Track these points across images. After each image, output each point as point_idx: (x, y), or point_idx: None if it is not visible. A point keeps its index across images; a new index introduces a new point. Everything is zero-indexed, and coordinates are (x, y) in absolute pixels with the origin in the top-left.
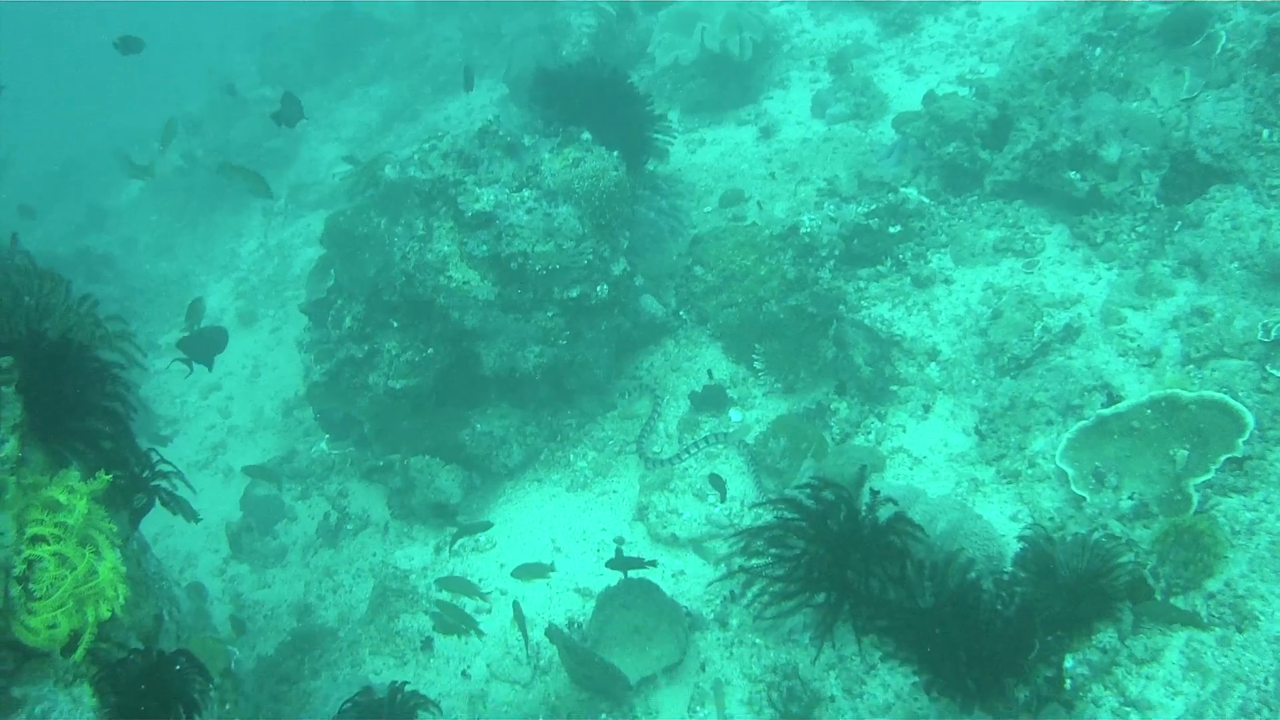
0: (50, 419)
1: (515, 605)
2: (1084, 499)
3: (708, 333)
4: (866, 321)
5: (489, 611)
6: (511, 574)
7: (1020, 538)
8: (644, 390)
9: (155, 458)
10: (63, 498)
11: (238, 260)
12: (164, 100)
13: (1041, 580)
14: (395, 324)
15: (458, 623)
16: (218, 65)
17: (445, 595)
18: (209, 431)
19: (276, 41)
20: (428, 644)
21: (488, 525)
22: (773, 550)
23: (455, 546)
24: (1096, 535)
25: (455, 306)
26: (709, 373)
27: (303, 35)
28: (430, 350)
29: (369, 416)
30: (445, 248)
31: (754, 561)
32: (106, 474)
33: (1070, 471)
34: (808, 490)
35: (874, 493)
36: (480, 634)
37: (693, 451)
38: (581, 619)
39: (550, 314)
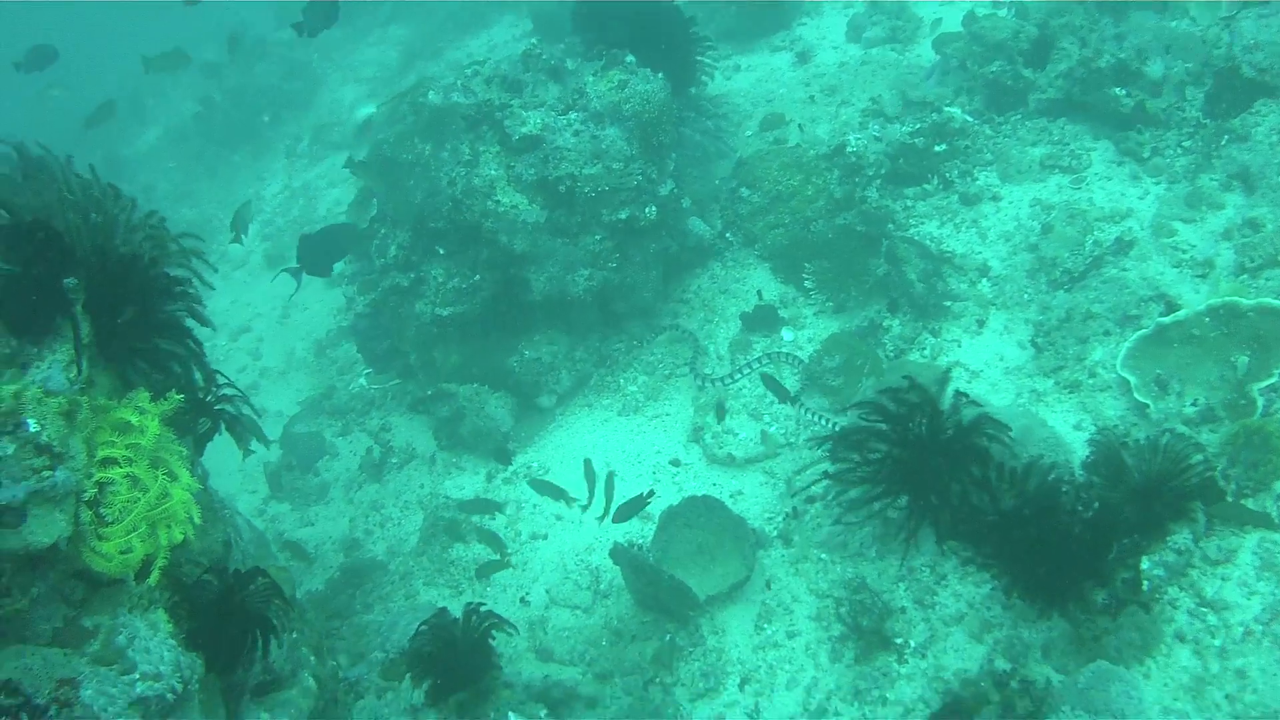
0: (118, 339)
1: (586, 463)
2: (1147, 406)
3: (755, 254)
4: (915, 239)
5: (544, 537)
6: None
7: (1090, 441)
8: (684, 336)
9: (222, 380)
10: (134, 419)
11: (262, 203)
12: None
13: (1114, 483)
14: (441, 251)
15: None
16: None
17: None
18: (240, 374)
19: None
20: (483, 570)
21: (497, 506)
22: (854, 455)
23: (509, 474)
24: (1166, 438)
25: (503, 231)
26: (758, 293)
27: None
28: (477, 276)
29: (415, 346)
30: (492, 172)
31: (836, 466)
32: (178, 395)
33: (1132, 379)
34: (890, 393)
35: (958, 394)
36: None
37: (746, 372)
38: (640, 541)
39: (598, 237)
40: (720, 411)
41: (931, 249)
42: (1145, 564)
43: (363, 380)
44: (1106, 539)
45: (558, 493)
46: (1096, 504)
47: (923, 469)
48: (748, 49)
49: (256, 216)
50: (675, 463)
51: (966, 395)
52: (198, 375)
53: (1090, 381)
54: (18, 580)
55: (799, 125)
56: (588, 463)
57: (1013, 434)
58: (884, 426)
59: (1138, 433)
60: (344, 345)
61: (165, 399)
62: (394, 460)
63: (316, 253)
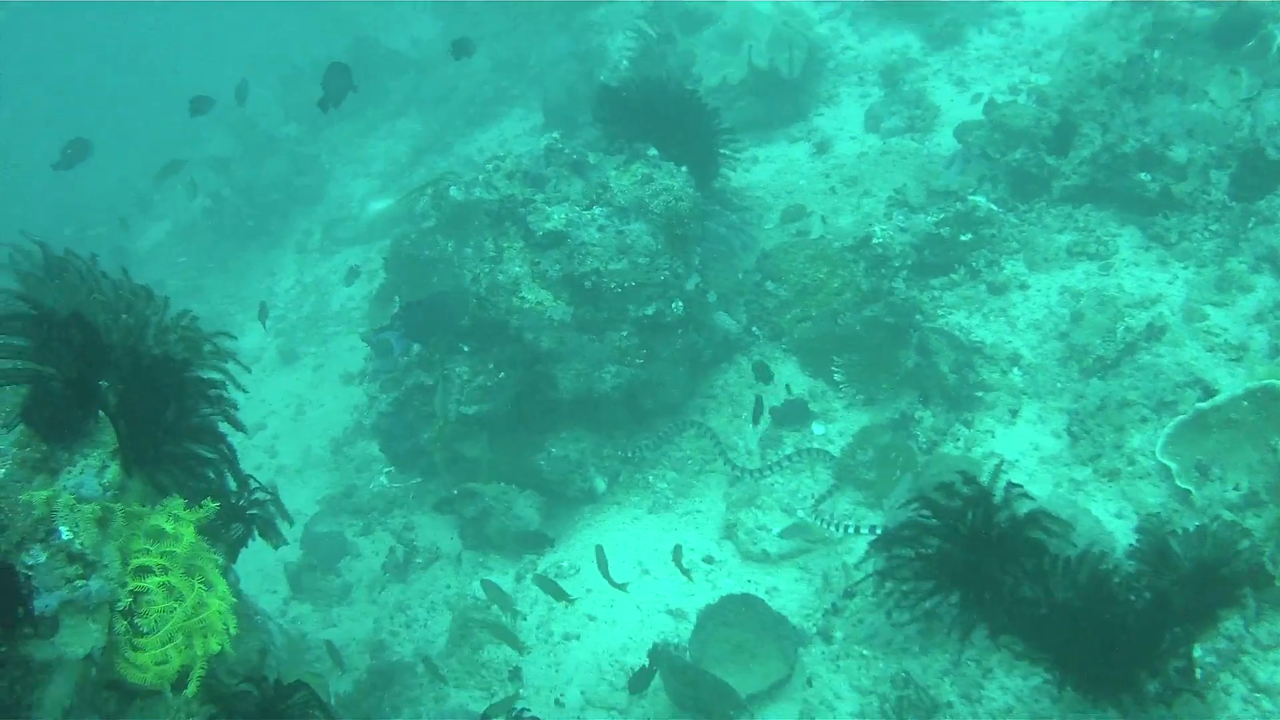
0: (150, 443)
1: (598, 550)
2: (1190, 492)
3: (782, 348)
4: (945, 329)
5: (577, 637)
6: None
7: (1138, 530)
8: (704, 433)
9: (254, 484)
10: (168, 526)
11: (274, 298)
12: (186, 143)
13: (1163, 571)
14: (466, 349)
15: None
16: (238, 105)
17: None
18: (257, 471)
19: (299, 79)
20: (516, 673)
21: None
22: (906, 551)
23: (542, 572)
24: (1214, 524)
25: (529, 328)
26: (787, 387)
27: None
28: (502, 374)
29: (438, 445)
30: (517, 268)
31: (890, 559)
32: (213, 502)
33: (1173, 466)
34: (943, 488)
35: (1010, 486)
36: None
37: (782, 466)
38: (675, 640)
39: (625, 333)
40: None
41: (962, 339)
42: (1198, 652)
43: (383, 479)
44: (1159, 628)
45: (559, 593)
46: (1148, 593)
47: (976, 564)
48: (765, 140)
49: (270, 313)
50: (709, 560)
51: (1019, 487)
52: (231, 480)
53: (1130, 469)
54: (50, 692)
55: (821, 217)
56: (599, 549)
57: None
58: (936, 522)
59: (1181, 520)
60: (361, 443)
61: (200, 506)
62: (418, 560)
63: (420, 319)
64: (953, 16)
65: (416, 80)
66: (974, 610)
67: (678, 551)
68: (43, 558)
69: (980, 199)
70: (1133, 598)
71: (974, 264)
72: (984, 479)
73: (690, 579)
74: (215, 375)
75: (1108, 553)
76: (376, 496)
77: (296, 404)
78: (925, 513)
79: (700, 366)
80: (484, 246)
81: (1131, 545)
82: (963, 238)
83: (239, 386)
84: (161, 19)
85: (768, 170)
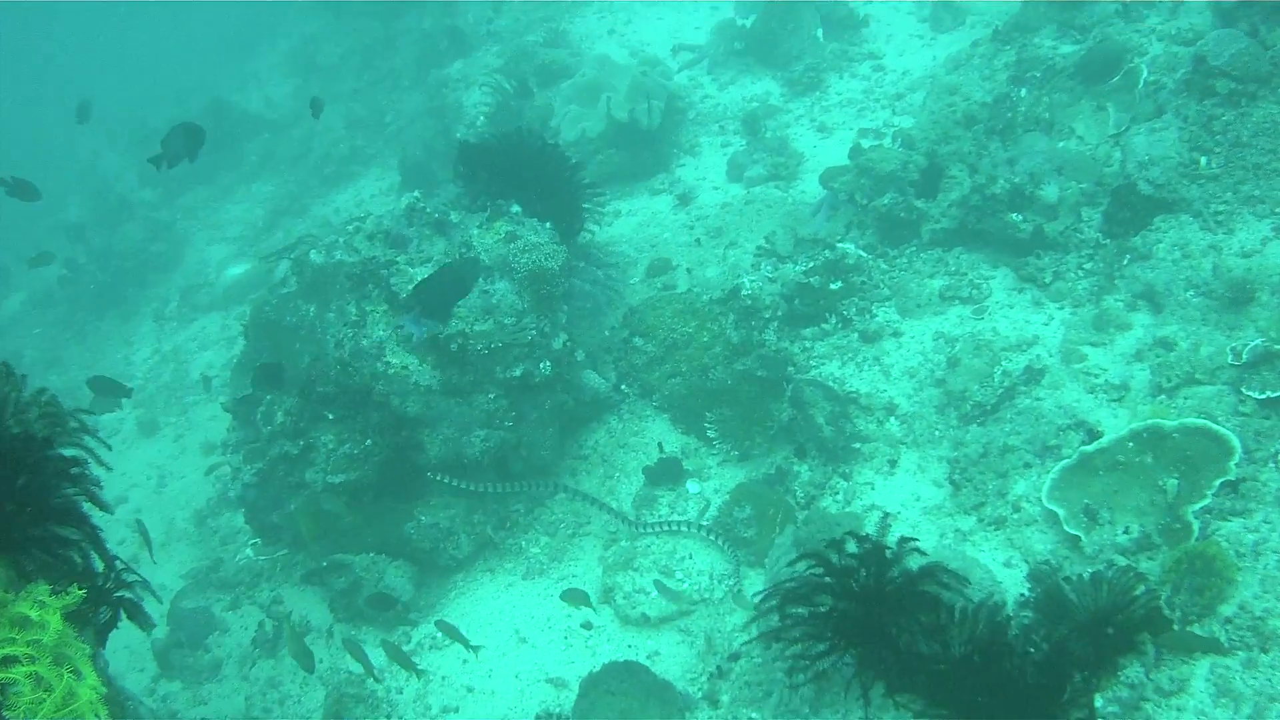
0: (12, 526)
1: (441, 623)
2: (1079, 538)
3: (653, 405)
4: (819, 380)
5: (456, 710)
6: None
7: (1030, 578)
8: (578, 496)
9: (120, 565)
10: (34, 614)
11: (132, 369)
12: (39, 207)
13: (1057, 620)
14: (331, 416)
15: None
16: (92, 168)
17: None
18: (120, 547)
19: (154, 141)
20: None
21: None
22: (800, 610)
23: (414, 645)
24: (1110, 571)
25: (395, 394)
26: (660, 446)
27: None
28: (369, 441)
29: (305, 517)
30: (381, 332)
31: (784, 619)
32: (80, 588)
33: (1060, 511)
34: (833, 545)
35: (903, 540)
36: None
37: (665, 530)
38: (557, 710)
39: (492, 395)
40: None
41: (836, 390)
42: (1099, 702)
43: (249, 551)
44: (1059, 679)
45: (408, 663)
46: (1045, 644)
47: (871, 621)
48: (628, 193)
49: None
50: (587, 625)
51: (912, 540)
52: (97, 562)
53: (1015, 516)
54: None
55: (687, 269)
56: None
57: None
58: (829, 580)
59: (1071, 566)
60: (225, 514)
61: (67, 592)
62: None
63: (435, 296)
64: (813, 62)
65: (271, 142)
66: (871, 669)
67: (575, 596)
68: None
69: (849, 246)
70: (1031, 649)
71: (845, 312)
72: (870, 533)
73: (594, 611)
74: (77, 453)
75: (1001, 604)
76: (243, 569)
77: (158, 475)
78: (817, 570)
79: (570, 426)
80: (346, 310)
81: (1024, 595)
82: (833, 286)
83: (101, 463)
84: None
85: (631, 223)
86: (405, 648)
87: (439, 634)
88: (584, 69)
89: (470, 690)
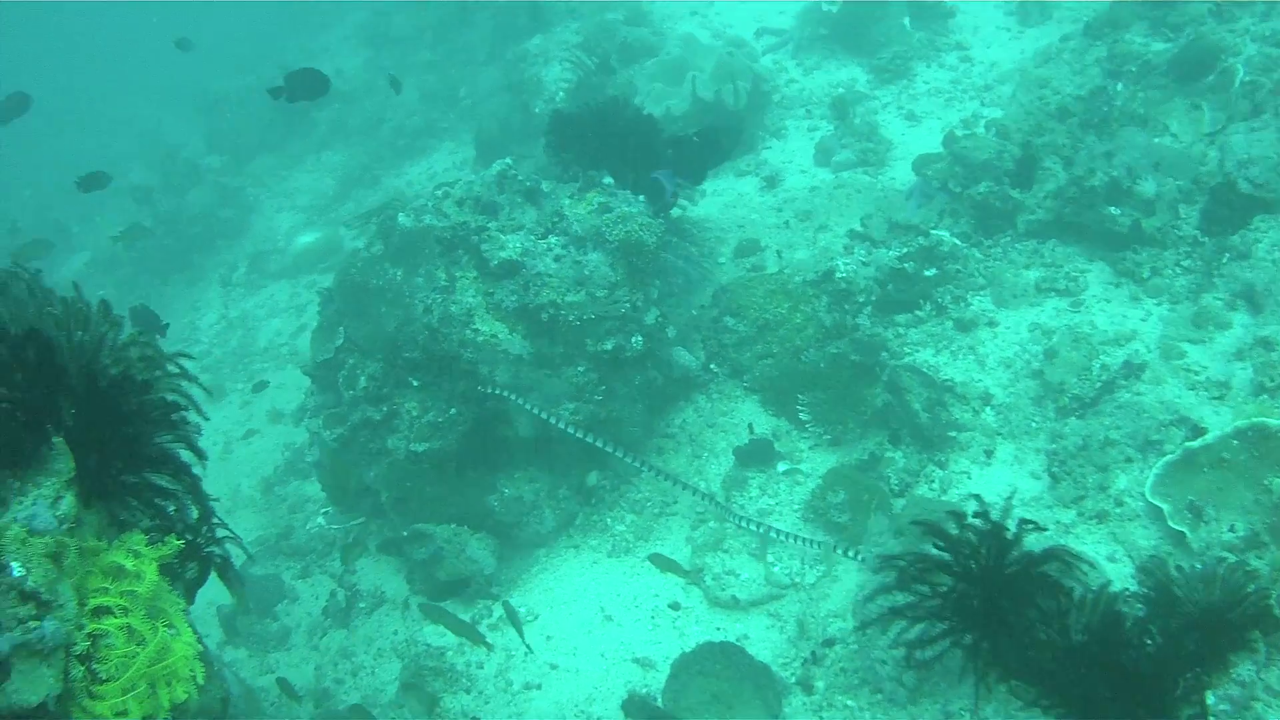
0: (109, 472)
1: (506, 605)
2: (1184, 534)
3: (743, 385)
4: (917, 367)
5: (538, 686)
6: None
7: (1140, 570)
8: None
9: (215, 519)
10: (128, 563)
11: (197, 334)
12: (117, 175)
13: (1167, 615)
14: (415, 383)
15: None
16: (158, 133)
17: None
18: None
19: (223, 108)
20: None
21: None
22: (923, 588)
23: (495, 620)
24: (1221, 567)
25: (484, 362)
26: (750, 427)
27: (251, 101)
28: (453, 410)
29: (386, 484)
30: (470, 299)
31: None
32: (177, 538)
33: (1165, 507)
34: (955, 518)
35: (1024, 522)
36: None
37: (754, 528)
38: (644, 690)
39: (582, 368)
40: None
41: (933, 377)
42: (1210, 699)
43: (321, 519)
44: (1173, 674)
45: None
46: (1159, 637)
47: (990, 603)
48: (712, 173)
49: (193, 348)
50: (674, 606)
51: (1034, 522)
52: (193, 514)
53: (1118, 511)
54: None
55: (776, 251)
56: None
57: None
58: (948, 557)
59: (1176, 562)
60: (294, 483)
61: (163, 543)
62: (362, 605)
63: (693, 155)
64: (900, 50)
65: (342, 112)
66: (987, 654)
67: (664, 562)
68: None
69: (944, 233)
70: (1148, 642)
71: (940, 300)
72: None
73: (685, 581)
74: (176, 399)
75: (1119, 594)
76: (314, 538)
77: (224, 442)
78: (936, 548)
79: (658, 404)
80: (435, 275)
81: (1128, 590)
82: (927, 273)
83: (201, 413)
84: (84, 43)
85: (716, 204)
86: (486, 622)
87: (521, 609)
88: (669, 47)
89: (554, 667)
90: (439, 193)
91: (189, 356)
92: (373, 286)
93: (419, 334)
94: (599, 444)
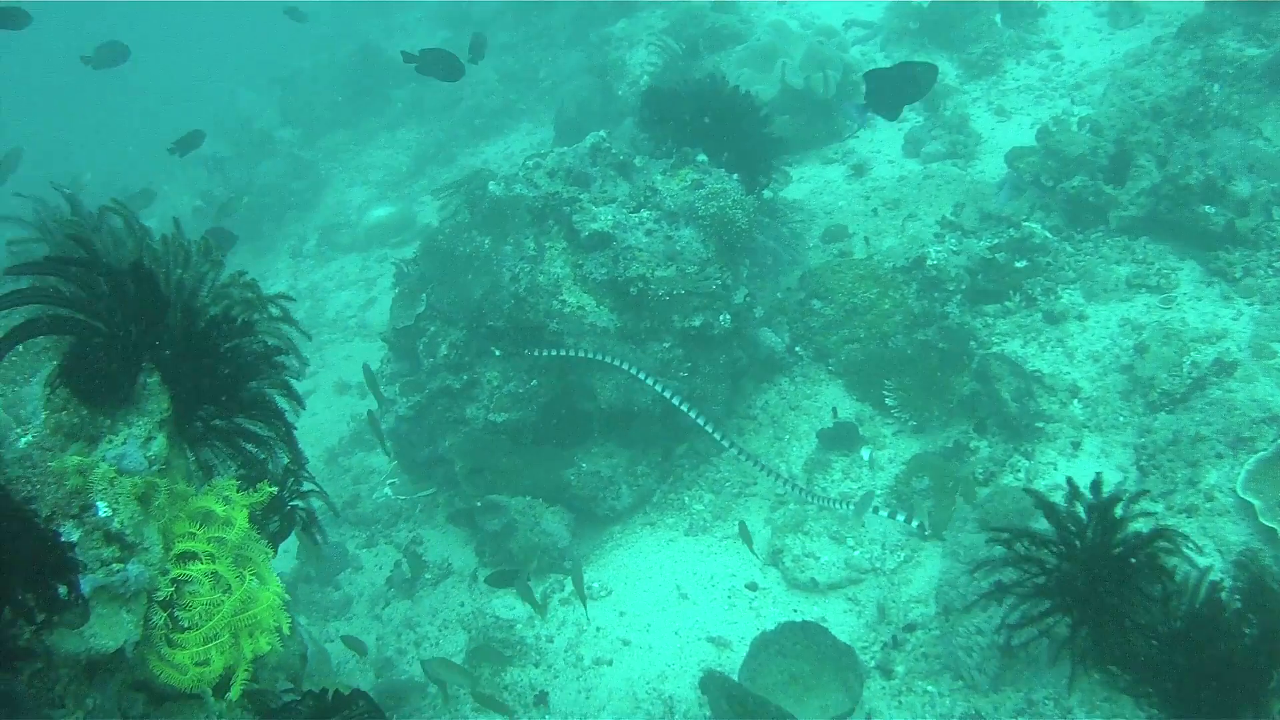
0: (203, 414)
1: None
2: (1275, 530)
3: (827, 369)
4: (1007, 356)
5: (609, 663)
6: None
7: (1236, 564)
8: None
9: (305, 473)
10: (218, 509)
11: None
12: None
13: (1262, 608)
14: (498, 352)
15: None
16: (233, 106)
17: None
18: None
19: (298, 82)
20: (542, 698)
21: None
22: (1025, 566)
23: (567, 594)
24: None
25: (569, 333)
26: (834, 410)
27: (326, 77)
28: (535, 381)
29: (461, 454)
30: (559, 269)
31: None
32: (270, 485)
33: (1256, 503)
34: (1056, 501)
35: (1132, 498)
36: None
37: (833, 505)
38: (719, 669)
39: (668, 344)
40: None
41: (1022, 367)
42: None
43: (388, 490)
44: (1267, 666)
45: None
46: (1255, 629)
47: (1094, 584)
48: (797, 160)
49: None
50: (752, 586)
51: (1138, 500)
52: (283, 462)
53: (1208, 506)
54: (73, 690)
55: (864, 238)
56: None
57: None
58: (1053, 534)
59: (1268, 558)
60: (359, 454)
61: (255, 489)
62: (427, 576)
63: (890, 90)
64: (991, 46)
65: (418, 90)
66: (1085, 638)
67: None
68: (75, 535)
69: (1035, 225)
70: (1246, 631)
71: (1030, 291)
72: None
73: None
74: (276, 342)
75: (1220, 582)
76: (380, 508)
77: (288, 412)
78: (1042, 528)
79: (739, 385)
80: (524, 245)
81: (1219, 581)
82: (1018, 264)
83: (301, 358)
84: (158, 16)
85: (803, 189)
86: (558, 597)
87: (594, 584)
88: (759, 33)
89: (626, 644)
90: (530, 163)
91: (290, 299)
92: (459, 254)
93: (505, 302)
94: (691, 412)
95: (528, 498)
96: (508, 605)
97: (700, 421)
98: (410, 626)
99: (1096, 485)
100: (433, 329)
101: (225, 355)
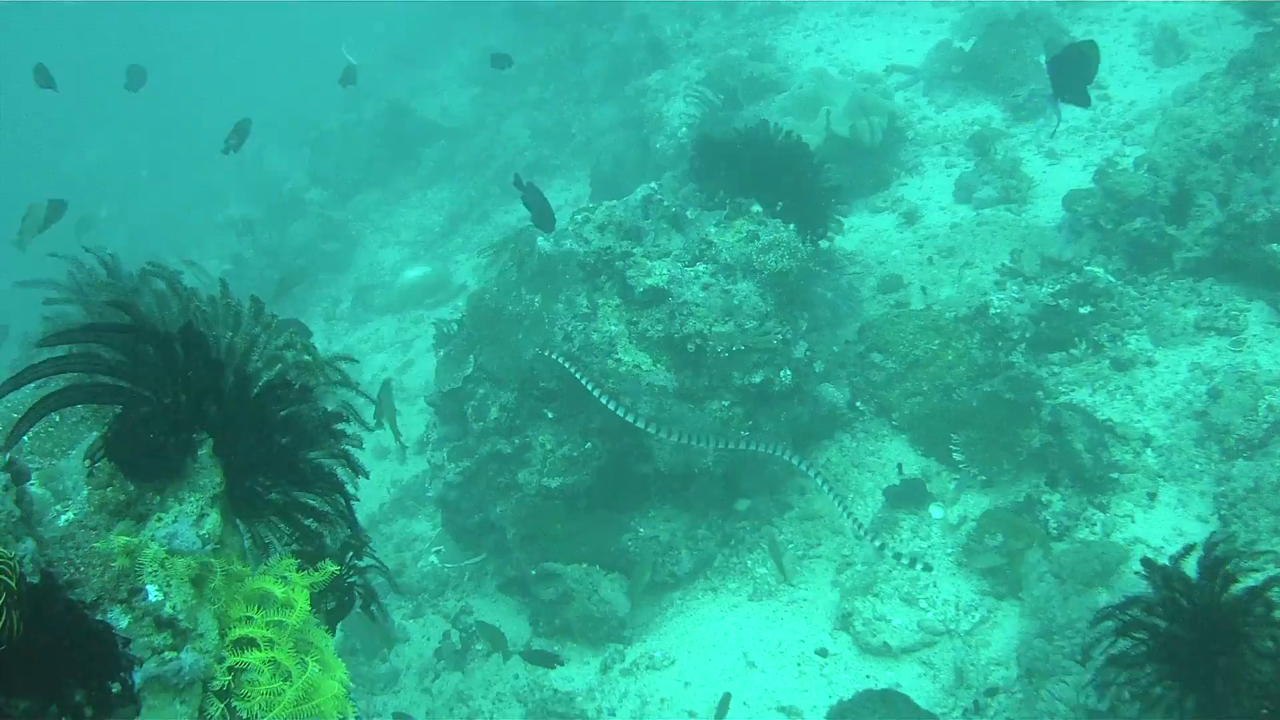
0: (259, 488)
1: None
2: None
3: (890, 424)
4: (1078, 406)
5: None
6: None
7: None
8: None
9: (366, 547)
10: (277, 591)
11: None
12: (202, 205)
13: None
14: (550, 414)
15: None
16: (259, 164)
17: None
18: None
19: (327, 143)
20: None
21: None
22: (1137, 634)
23: (629, 664)
24: None
25: (626, 393)
26: (899, 467)
27: (355, 137)
28: (589, 444)
29: (514, 521)
30: (613, 327)
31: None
32: (332, 565)
33: None
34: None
35: (1239, 553)
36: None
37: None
38: None
39: (726, 402)
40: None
41: (1094, 417)
42: None
43: (434, 558)
44: None
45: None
46: None
47: (1205, 645)
48: (846, 209)
49: None
50: (822, 653)
51: (1246, 553)
52: (340, 537)
53: None
54: None
55: (922, 288)
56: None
57: None
58: (1158, 597)
59: None
60: (400, 520)
61: (317, 568)
62: (479, 647)
63: (1068, 77)
64: (1037, 88)
65: (449, 148)
66: (1194, 706)
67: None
68: (124, 622)
69: (1098, 270)
70: None
71: (1095, 338)
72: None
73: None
74: (337, 408)
75: None
76: (426, 576)
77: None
78: (1154, 582)
79: (800, 442)
80: (576, 302)
81: None
82: (1082, 310)
83: (363, 424)
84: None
85: (853, 240)
86: (619, 667)
87: (656, 654)
88: (802, 81)
89: (692, 716)
90: (579, 217)
91: (351, 359)
92: (508, 313)
93: (554, 363)
94: (787, 455)
95: (584, 565)
96: (566, 677)
97: (776, 452)
98: (463, 700)
99: (1210, 544)
100: (481, 391)
101: (282, 424)
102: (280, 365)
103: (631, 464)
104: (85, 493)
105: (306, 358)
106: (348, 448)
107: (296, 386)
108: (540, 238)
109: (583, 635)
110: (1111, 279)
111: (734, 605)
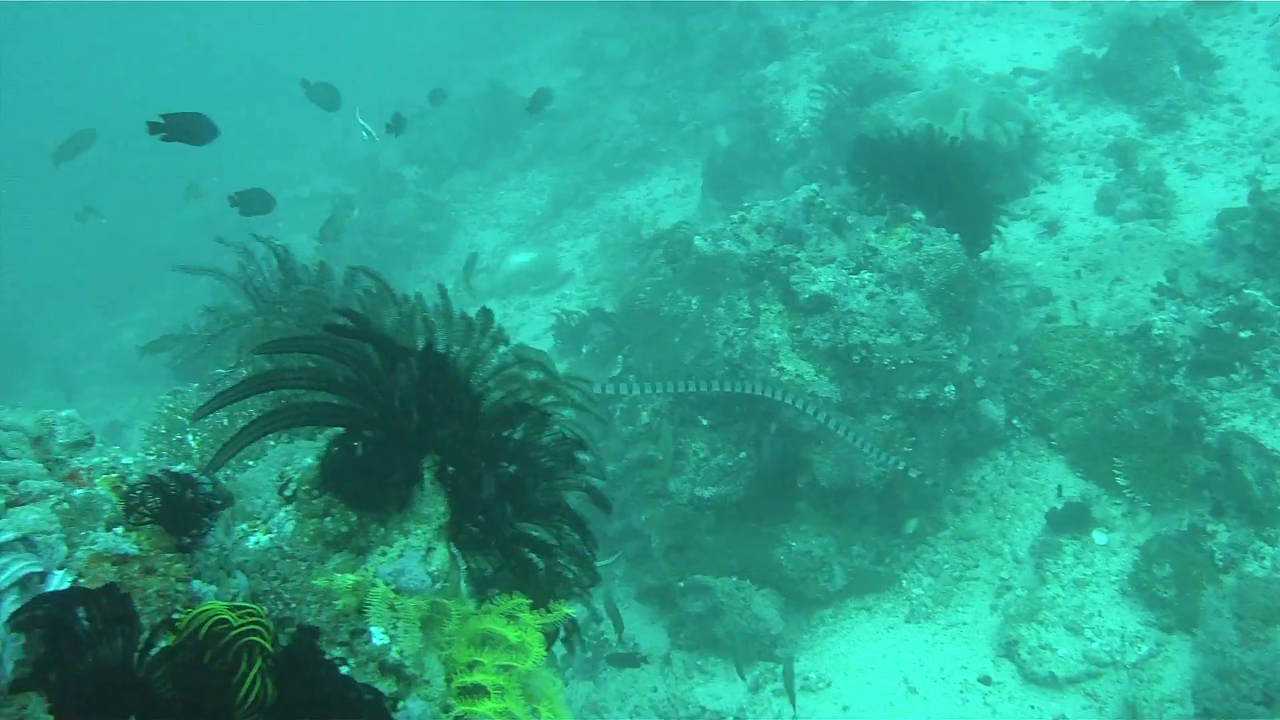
0: (491, 521)
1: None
2: None
3: (1048, 444)
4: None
5: None
6: None
7: None
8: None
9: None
10: (510, 633)
11: None
12: (284, 179)
13: None
14: (705, 422)
15: None
16: (345, 144)
17: None
18: None
19: (424, 123)
20: None
21: None
22: None
23: (780, 686)
24: None
25: (798, 398)
26: (1058, 489)
27: (453, 117)
28: (744, 454)
29: (661, 530)
30: (776, 334)
31: None
32: (568, 606)
33: None
34: None
35: None
36: None
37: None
38: None
39: (888, 417)
40: None
41: (1263, 446)
42: None
43: None
44: None
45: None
46: None
47: None
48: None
49: None
50: (985, 681)
51: None
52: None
53: None
54: None
55: (1072, 302)
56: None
57: None
58: None
59: None
60: None
61: (551, 609)
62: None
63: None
64: (1172, 99)
65: (550, 130)
66: None
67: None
68: (345, 668)
69: (1257, 293)
70: None
71: (1257, 364)
72: None
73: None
74: (577, 434)
75: None
76: None
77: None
78: None
79: (954, 459)
80: (737, 306)
81: None
82: (1242, 335)
83: (596, 453)
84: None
85: (994, 249)
86: (771, 688)
87: (811, 674)
88: (935, 81)
89: None
90: (735, 217)
91: (587, 381)
92: (663, 314)
93: (718, 369)
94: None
95: (734, 579)
96: (713, 694)
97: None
98: (596, 712)
99: None
100: (633, 393)
101: (517, 449)
102: (515, 384)
103: (789, 475)
104: (281, 515)
105: (540, 376)
106: (591, 479)
107: (533, 410)
108: (697, 237)
109: (729, 650)
110: (1271, 303)
111: (891, 626)
